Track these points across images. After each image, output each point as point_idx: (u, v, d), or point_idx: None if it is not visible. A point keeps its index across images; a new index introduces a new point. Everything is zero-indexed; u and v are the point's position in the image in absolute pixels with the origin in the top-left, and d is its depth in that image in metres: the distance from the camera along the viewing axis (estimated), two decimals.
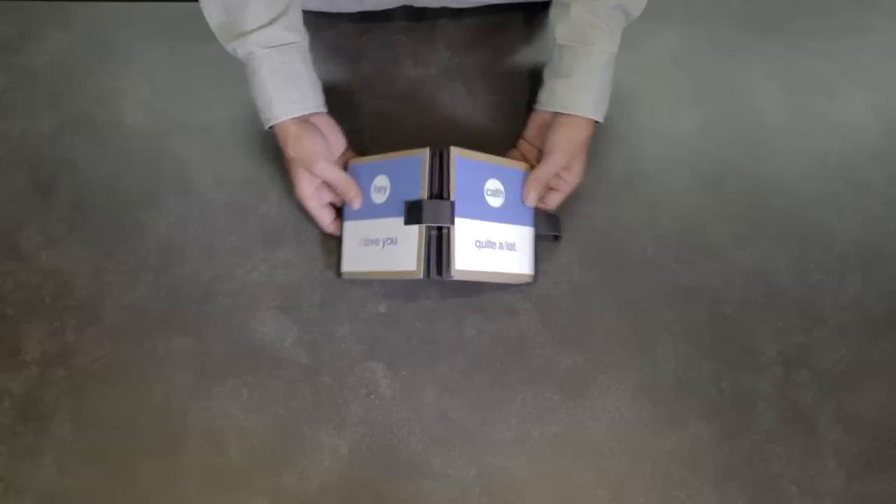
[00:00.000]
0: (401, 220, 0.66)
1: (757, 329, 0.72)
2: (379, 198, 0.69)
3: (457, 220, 0.65)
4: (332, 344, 0.70)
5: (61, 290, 0.72)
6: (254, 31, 0.67)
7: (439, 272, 0.64)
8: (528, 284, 0.72)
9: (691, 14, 0.93)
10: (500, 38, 0.87)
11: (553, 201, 0.74)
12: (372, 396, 0.67)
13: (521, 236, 0.71)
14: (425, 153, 0.67)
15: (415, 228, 0.65)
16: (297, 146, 0.70)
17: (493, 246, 0.68)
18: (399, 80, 0.75)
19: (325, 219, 0.73)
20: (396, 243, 0.66)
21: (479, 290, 0.73)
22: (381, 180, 0.70)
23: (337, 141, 0.74)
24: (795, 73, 0.88)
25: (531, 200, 0.71)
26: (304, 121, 0.71)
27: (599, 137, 0.83)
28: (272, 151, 0.81)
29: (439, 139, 0.70)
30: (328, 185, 0.72)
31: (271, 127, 0.71)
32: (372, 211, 0.70)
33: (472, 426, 0.66)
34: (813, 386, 0.68)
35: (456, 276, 0.64)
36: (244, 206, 0.77)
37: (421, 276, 0.64)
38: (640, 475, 0.64)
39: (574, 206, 0.78)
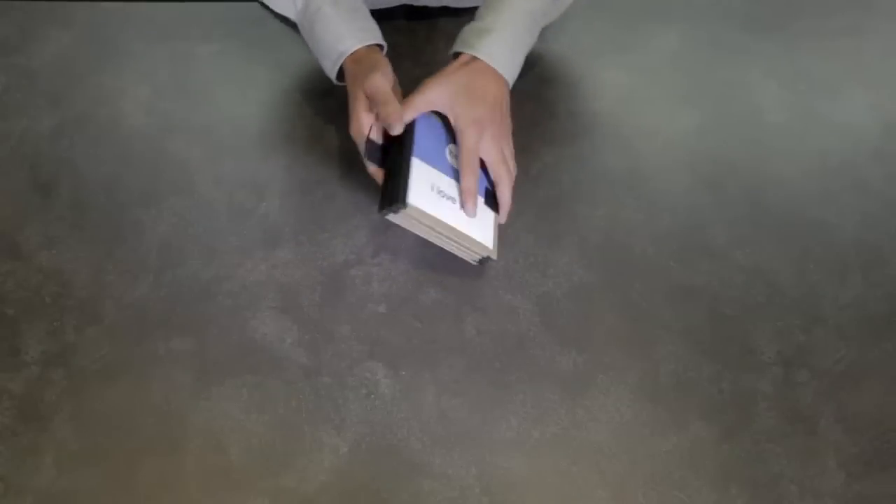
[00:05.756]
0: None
1: (757, 329, 0.72)
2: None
3: (413, 159, 0.67)
4: (332, 344, 0.70)
5: (61, 290, 0.72)
6: None
7: (392, 202, 0.65)
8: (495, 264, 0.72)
9: (691, 14, 0.93)
10: None
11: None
12: (372, 396, 0.67)
13: (481, 207, 0.71)
14: None
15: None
16: (367, 61, 0.71)
17: (453, 200, 0.69)
18: (399, 80, 0.75)
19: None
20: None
21: (479, 289, 0.73)
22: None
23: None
24: (795, 73, 0.88)
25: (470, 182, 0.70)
26: (374, 49, 0.73)
27: (600, 137, 0.83)
28: (272, 151, 0.81)
29: None
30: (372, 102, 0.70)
31: (341, 68, 0.72)
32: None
33: (472, 426, 0.66)
34: (813, 386, 0.68)
35: (410, 211, 0.65)
36: (244, 206, 0.77)
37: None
38: (640, 475, 0.64)
39: (574, 206, 0.78)
